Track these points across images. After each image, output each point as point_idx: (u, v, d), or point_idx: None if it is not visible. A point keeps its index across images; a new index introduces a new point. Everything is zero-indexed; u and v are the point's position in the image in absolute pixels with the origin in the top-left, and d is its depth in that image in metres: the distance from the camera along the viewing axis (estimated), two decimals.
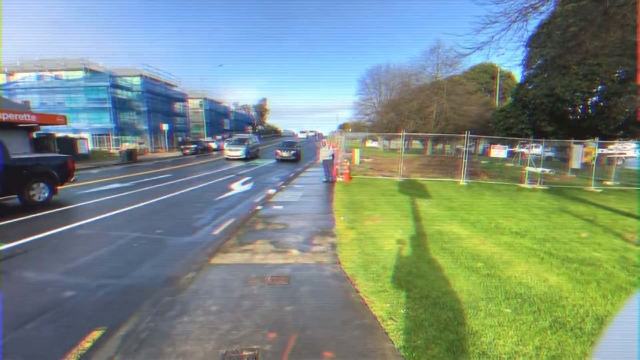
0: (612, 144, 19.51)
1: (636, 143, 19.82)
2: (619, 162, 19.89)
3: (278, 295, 3.63)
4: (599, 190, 12.60)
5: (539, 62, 21.18)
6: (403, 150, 18.17)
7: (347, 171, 13.75)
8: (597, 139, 14.62)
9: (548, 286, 3.86)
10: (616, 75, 20.12)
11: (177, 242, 5.76)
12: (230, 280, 4.02)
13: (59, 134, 21.07)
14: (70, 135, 23.17)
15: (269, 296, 3.61)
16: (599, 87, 20.82)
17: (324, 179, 13.14)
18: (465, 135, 14.13)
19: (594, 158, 14.36)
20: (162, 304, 3.45)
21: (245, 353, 2.63)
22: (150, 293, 3.82)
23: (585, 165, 15.02)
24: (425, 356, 2.59)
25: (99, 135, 30.33)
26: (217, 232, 6.37)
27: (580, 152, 14.60)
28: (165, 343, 2.77)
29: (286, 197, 9.76)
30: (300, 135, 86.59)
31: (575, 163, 15.00)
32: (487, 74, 42.66)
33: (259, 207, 8.23)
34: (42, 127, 19.65)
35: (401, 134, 15.60)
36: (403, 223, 6.73)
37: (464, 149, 15.11)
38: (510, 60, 47.92)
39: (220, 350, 2.66)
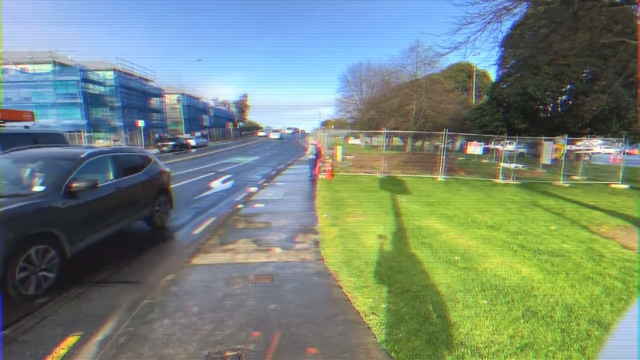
0: (580, 140, 20.57)
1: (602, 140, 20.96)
2: (586, 158, 20.99)
3: (261, 294, 3.62)
4: (567, 185, 13.26)
5: (512, 62, 21.97)
6: (384, 147, 18.46)
7: (330, 168, 13.81)
8: (566, 136, 15.37)
9: (521, 277, 4.04)
10: (584, 75, 21.18)
11: (154, 243, 5.62)
12: (212, 280, 3.97)
13: None
14: None
15: (253, 295, 3.60)
16: (568, 86, 21.88)
17: (309, 177, 13.19)
18: (444, 132, 14.52)
19: (563, 154, 15.09)
20: (141, 307, 3.36)
21: (229, 353, 2.61)
22: (128, 297, 3.72)
23: (555, 161, 15.76)
24: (407, 349, 2.66)
25: (69, 132, 28.77)
26: (197, 231, 6.25)
27: (551, 149, 15.29)
28: (145, 347, 2.71)
29: (268, 195, 9.70)
30: (273, 135, 66.02)
31: (545, 159, 15.70)
32: (464, 72, 43.86)
33: (240, 206, 8.13)
34: (7, 124, 18.56)
35: (382, 131, 15.82)
36: (384, 219, 6.84)
37: (442, 146, 15.51)
38: (485, 60, 49.60)
39: (203, 352, 2.63)
